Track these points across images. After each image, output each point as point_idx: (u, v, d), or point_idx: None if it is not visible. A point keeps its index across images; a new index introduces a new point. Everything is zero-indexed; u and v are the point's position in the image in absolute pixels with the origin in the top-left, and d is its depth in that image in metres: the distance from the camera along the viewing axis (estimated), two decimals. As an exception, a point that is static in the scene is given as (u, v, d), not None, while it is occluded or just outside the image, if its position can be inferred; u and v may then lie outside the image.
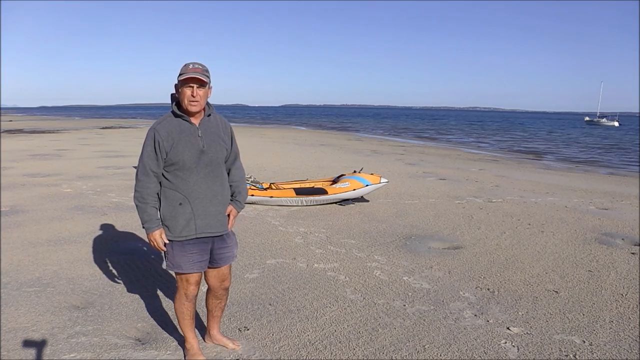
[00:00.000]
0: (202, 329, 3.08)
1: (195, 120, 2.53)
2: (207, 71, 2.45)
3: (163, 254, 2.60)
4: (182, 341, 2.89)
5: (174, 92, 2.54)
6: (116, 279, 4.04)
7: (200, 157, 2.50)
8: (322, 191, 7.13)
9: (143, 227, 2.51)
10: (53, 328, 3.13)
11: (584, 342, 3.08)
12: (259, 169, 11.22)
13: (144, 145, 2.48)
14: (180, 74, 2.41)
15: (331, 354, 2.89)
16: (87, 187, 8.47)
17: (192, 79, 2.39)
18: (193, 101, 2.43)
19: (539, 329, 3.25)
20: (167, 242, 2.52)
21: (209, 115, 2.59)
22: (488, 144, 26.39)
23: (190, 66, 2.41)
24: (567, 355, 2.90)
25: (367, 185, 7.34)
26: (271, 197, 7.07)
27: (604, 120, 65.93)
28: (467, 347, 2.98)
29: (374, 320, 3.35)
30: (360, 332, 3.18)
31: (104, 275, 4.13)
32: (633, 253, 5.05)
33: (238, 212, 2.75)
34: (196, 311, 3.04)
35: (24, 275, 4.08)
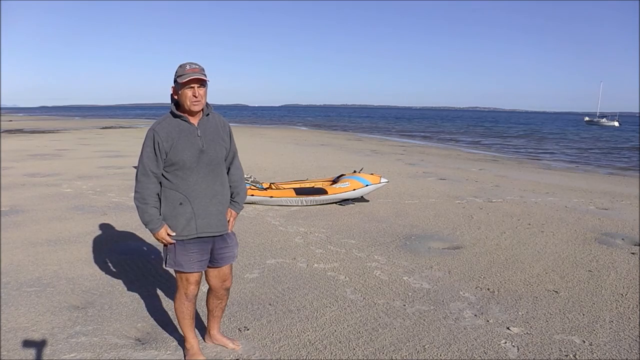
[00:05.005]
0: (202, 329, 3.08)
1: (194, 120, 2.54)
2: (204, 70, 2.48)
3: (162, 254, 2.62)
4: (182, 341, 2.89)
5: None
6: (116, 279, 4.04)
7: (200, 156, 2.50)
8: (322, 191, 7.13)
9: (147, 228, 2.52)
10: (53, 328, 3.14)
11: (584, 342, 3.08)
12: (259, 169, 11.23)
13: (143, 146, 2.49)
14: (179, 75, 2.42)
15: (331, 354, 2.89)
16: (87, 187, 8.47)
17: (194, 79, 2.40)
18: (195, 101, 2.45)
19: (539, 329, 3.25)
20: (173, 234, 2.52)
21: (208, 114, 2.60)
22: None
23: (188, 67, 2.42)
24: (567, 355, 2.90)
25: (367, 185, 7.34)
26: (271, 197, 7.07)
27: (604, 120, 65.84)
28: (467, 347, 2.98)
29: (374, 320, 3.35)
30: (360, 332, 3.18)
31: (104, 275, 4.13)
32: (633, 253, 5.05)
33: (237, 214, 2.75)
34: (196, 311, 3.04)
35: (24, 275, 4.09)
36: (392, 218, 6.51)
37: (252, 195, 7.01)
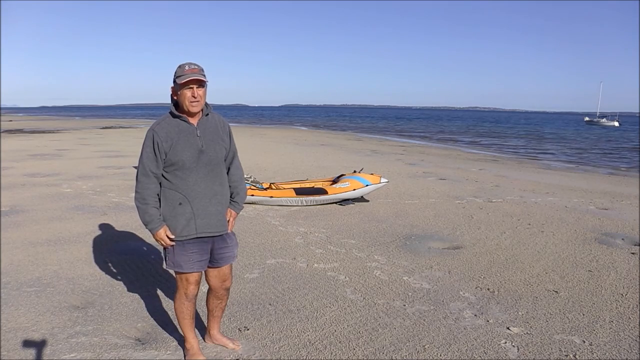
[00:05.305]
0: (202, 329, 3.08)
1: (193, 120, 2.54)
2: (203, 70, 2.47)
3: (162, 254, 2.62)
4: (182, 341, 2.89)
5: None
6: (116, 279, 4.04)
7: (199, 156, 2.50)
8: (322, 191, 7.13)
9: (147, 228, 2.52)
10: (53, 328, 3.14)
11: (584, 342, 3.08)
12: (259, 169, 11.23)
13: (143, 147, 2.49)
14: (178, 76, 2.42)
15: (331, 354, 2.89)
16: (87, 187, 8.47)
17: (192, 80, 2.40)
18: (194, 102, 2.45)
19: (539, 329, 3.25)
20: (172, 236, 2.52)
21: (207, 114, 2.60)
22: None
23: (187, 67, 2.42)
24: (567, 355, 2.90)
25: (367, 185, 7.34)
26: (271, 197, 7.07)
27: (604, 120, 65.78)
28: (467, 347, 2.98)
29: (374, 320, 3.35)
30: (360, 332, 3.18)
31: (104, 275, 4.13)
32: (633, 253, 5.05)
33: (237, 214, 2.76)
34: (196, 311, 3.04)
35: (24, 275, 4.09)
36: (392, 218, 6.51)
37: (252, 195, 7.01)
